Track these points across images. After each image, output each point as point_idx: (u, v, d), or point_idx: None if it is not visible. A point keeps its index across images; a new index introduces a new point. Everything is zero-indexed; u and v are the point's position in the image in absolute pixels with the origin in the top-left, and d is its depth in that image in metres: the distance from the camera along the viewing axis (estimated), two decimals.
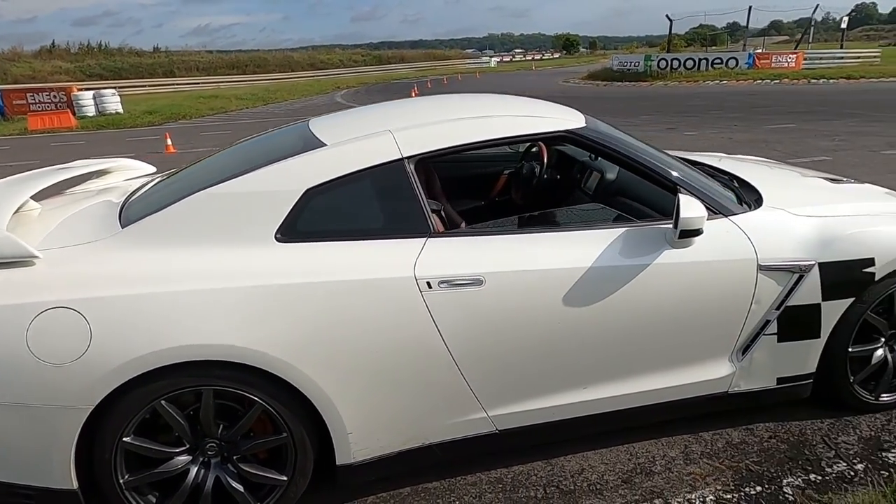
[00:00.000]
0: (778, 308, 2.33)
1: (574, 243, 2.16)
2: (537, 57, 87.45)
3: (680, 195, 2.14)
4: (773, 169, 3.30)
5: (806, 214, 2.42)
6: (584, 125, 2.32)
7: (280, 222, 1.99)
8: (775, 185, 2.80)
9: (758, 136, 10.07)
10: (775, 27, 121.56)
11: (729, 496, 2.20)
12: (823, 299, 2.34)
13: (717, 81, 24.65)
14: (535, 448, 2.44)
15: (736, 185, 2.70)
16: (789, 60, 26.80)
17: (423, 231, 2.07)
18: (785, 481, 2.26)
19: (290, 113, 19.11)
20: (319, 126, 2.46)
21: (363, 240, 2.03)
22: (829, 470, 2.30)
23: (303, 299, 1.93)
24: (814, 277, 2.31)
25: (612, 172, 2.85)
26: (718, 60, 27.49)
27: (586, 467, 2.38)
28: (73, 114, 17.39)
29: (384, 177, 2.07)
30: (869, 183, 3.14)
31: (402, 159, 2.09)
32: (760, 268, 2.28)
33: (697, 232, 2.10)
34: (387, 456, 2.14)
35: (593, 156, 2.87)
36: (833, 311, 2.37)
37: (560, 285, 2.10)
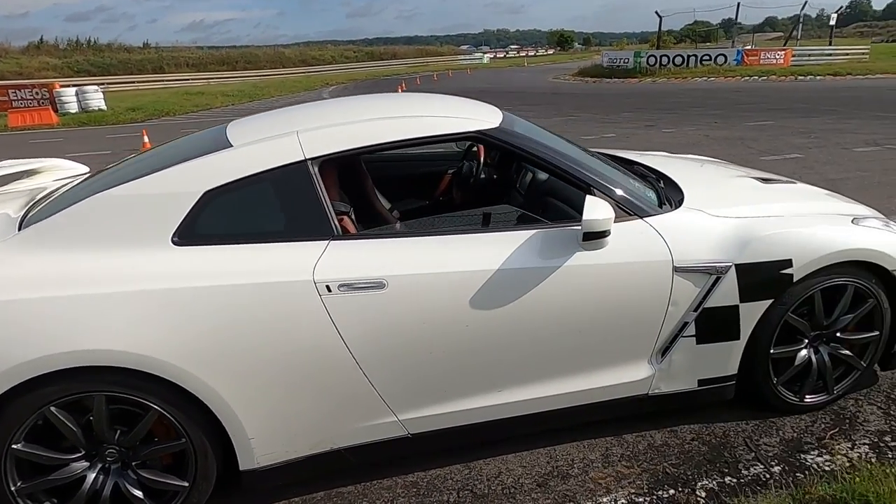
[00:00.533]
0: (695, 310, 2.32)
1: (481, 245, 2.13)
2: (531, 53, 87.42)
3: (588, 197, 2.12)
4: (704, 168, 3.28)
5: (724, 215, 2.40)
6: (497, 126, 2.29)
7: (177, 225, 1.96)
8: (701, 184, 2.79)
9: (735, 134, 10.08)
10: (770, 24, 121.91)
11: (641, 499, 2.19)
12: (741, 301, 2.33)
13: (705, 78, 24.68)
14: (455, 451, 2.42)
15: (661, 185, 2.68)
16: (777, 57, 26.85)
17: (325, 234, 2.04)
18: (699, 484, 2.24)
19: (268, 108, 18.99)
20: (235, 127, 2.43)
21: (263, 243, 2.00)
22: (745, 472, 2.29)
23: (197, 304, 1.90)
24: (731, 279, 2.30)
25: (542, 173, 2.83)
26: (707, 57, 27.52)
27: (504, 471, 2.36)
28: (55, 110, 17.26)
29: (286, 178, 2.04)
30: (807, 183, 3.14)
31: (304, 161, 2.06)
32: (676, 269, 2.26)
33: (603, 234, 2.08)
34: (294, 460, 2.12)
35: None
36: (752, 313, 2.35)
37: (466, 288, 2.08)
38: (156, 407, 1.92)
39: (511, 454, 2.44)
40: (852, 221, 2.49)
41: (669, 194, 2.55)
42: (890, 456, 2.32)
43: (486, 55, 67.53)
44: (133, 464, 2.00)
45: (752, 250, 2.32)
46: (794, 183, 3.02)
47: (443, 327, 2.09)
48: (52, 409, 1.86)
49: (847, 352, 2.57)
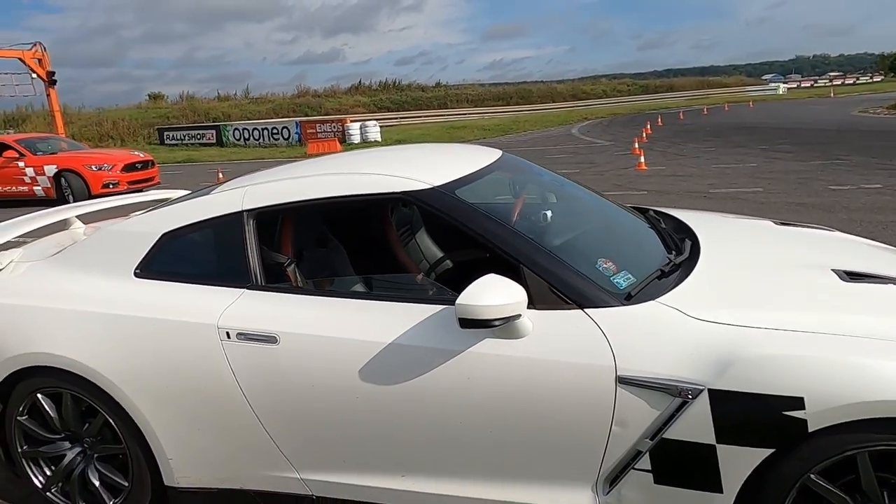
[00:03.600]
0: (651, 438, 1.76)
1: (381, 314, 1.98)
2: (849, 82, 73.98)
3: (489, 276, 1.79)
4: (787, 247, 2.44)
5: (712, 319, 1.77)
6: (430, 187, 2.07)
7: (140, 260, 2.28)
8: (734, 268, 2.09)
9: None
10: None
11: None
12: (719, 441, 1.69)
13: None
14: None
15: (667, 267, 2.08)
16: None
17: (243, 282, 2.14)
18: None
19: (515, 143, 19.83)
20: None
21: (196, 284, 2.19)
22: None
23: (136, 330, 2.17)
24: (702, 407, 1.69)
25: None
26: None
27: None
28: (341, 141, 20.91)
29: (223, 227, 2.21)
30: None
31: (241, 212, 2.19)
32: (620, 380, 1.76)
33: (484, 323, 1.73)
34: (208, 490, 2.25)
35: None
36: (739, 460, 1.69)
37: (356, 357, 1.95)
38: (102, 412, 2.25)
39: None
40: None
41: (663, 284, 1.98)
42: None
43: (782, 85, 59.35)
44: (94, 455, 2.38)
45: (739, 374, 1.67)
46: None
47: (333, 393, 2.00)
48: (39, 395, 2.33)
49: None
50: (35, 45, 21.98)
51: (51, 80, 22.61)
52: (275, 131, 25.35)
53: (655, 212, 2.89)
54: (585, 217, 2.67)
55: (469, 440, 1.93)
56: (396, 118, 38.40)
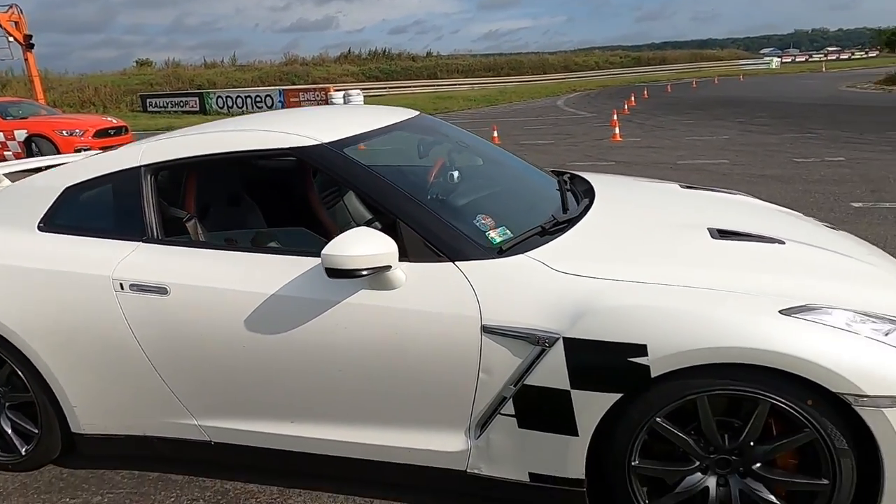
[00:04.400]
0: (514, 384, 1.85)
1: (269, 267, 2.04)
2: (843, 57, 73.48)
3: (359, 228, 1.86)
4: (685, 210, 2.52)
5: (575, 272, 1.85)
6: (318, 143, 2.12)
7: (43, 214, 2.32)
8: (617, 227, 2.17)
9: None
10: None
11: None
12: (573, 386, 1.78)
13: None
14: (288, 472, 2.35)
15: (549, 224, 2.14)
16: None
17: (140, 236, 2.20)
18: None
19: (500, 114, 19.69)
20: None
21: (95, 237, 2.25)
22: None
23: (38, 282, 2.23)
24: (558, 355, 1.78)
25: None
26: None
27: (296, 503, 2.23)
28: None
29: (122, 182, 2.25)
30: None
31: (139, 167, 2.24)
32: (485, 329, 1.84)
33: (350, 273, 1.79)
34: (113, 436, 2.34)
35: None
36: (591, 405, 1.78)
37: (241, 308, 2.02)
38: (9, 361, 2.32)
39: (327, 493, 2.28)
40: (783, 311, 1.68)
41: (544, 240, 2.04)
42: None
43: (775, 59, 58.88)
44: (6, 403, 2.45)
45: (590, 323, 1.75)
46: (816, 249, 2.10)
47: (221, 343, 2.07)
48: None
49: (771, 497, 1.76)
50: (11, 7, 21.35)
51: (28, 44, 22.02)
52: (258, 99, 25.03)
53: (571, 175, 2.95)
54: (490, 178, 2.73)
55: (349, 388, 2.02)
56: (385, 88, 37.95)
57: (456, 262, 1.91)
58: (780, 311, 1.68)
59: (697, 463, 1.81)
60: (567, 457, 1.87)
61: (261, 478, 2.37)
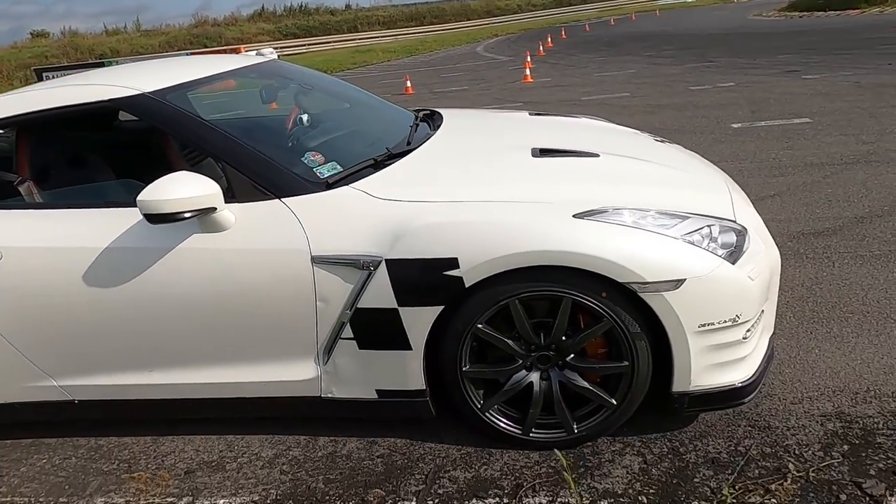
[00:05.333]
0: (349, 309, 1.96)
1: (105, 221, 2.04)
2: None
3: (177, 174, 1.88)
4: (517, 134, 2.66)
5: (396, 198, 1.95)
6: (140, 93, 2.11)
7: None
8: (447, 155, 2.28)
9: (893, 80, 7.73)
10: None
11: None
12: (400, 304, 1.91)
13: None
14: (159, 421, 2.42)
15: (381, 157, 2.22)
16: None
17: None
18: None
19: (418, 64, 19.42)
20: None
21: None
22: None
23: None
24: (383, 277, 1.89)
25: None
26: None
27: (175, 450, 2.31)
28: None
29: None
30: None
31: None
32: (315, 260, 1.93)
33: (171, 217, 1.83)
34: None
35: None
36: (419, 320, 1.92)
37: (77, 265, 2.03)
38: None
39: (199, 436, 2.37)
40: (576, 215, 1.84)
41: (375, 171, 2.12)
42: None
43: None
44: None
45: (406, 243, 1.87)
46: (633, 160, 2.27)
47: (63, 303, 2.08)
48: None
49: (584, 384, 1.97)
50: None
51: None
52: None
53: (430, 111, 3.02)
54: (339, 118, 2.77)
55: (195, 332, 2.08)
56: (304, 45, 36.49)
57: (282, 199, 1.97)
58: (573, 216, 1.84)
59: (520, 362, 1.99)
60: (406, 371, 2.01)
61: (135, 430, 2.43)
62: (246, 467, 2.19)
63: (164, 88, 2.15)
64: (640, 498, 1.85)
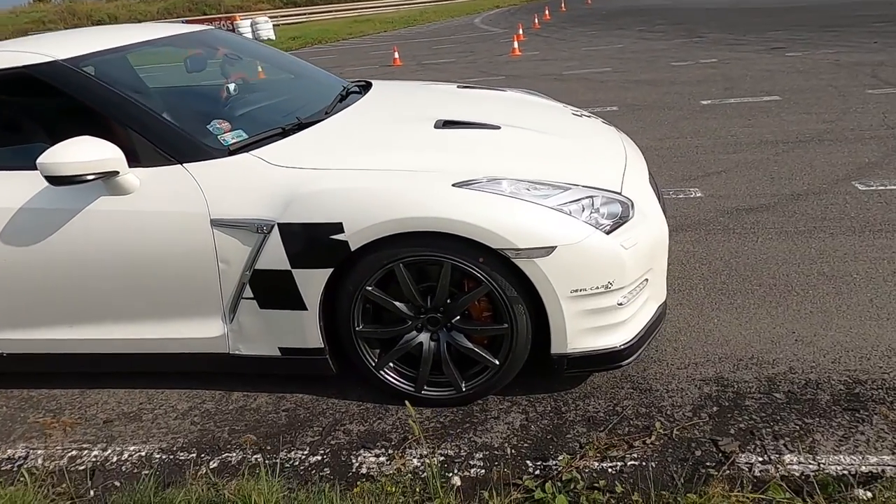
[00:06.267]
0: (248, 270, 2.07)
1: (22, 182, 2.13)
2: None
3: (78, 139, 1.97)
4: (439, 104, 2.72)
5: (289, 165, 2.05)
6: (54, 60, 2.18)
7: None
8: (352, 126, 2.37)
9: (872, 59, 7.69)
10: None
11: (162, 455, 2.12)
12: (293, 266, 2.01)
13: None
14: (84, 375, 2.55)
15: (290, 126, 2.30)
16: None
17: None
18: (227, 455, 2.09)
19: (413, 35, 19.25)
20: None
21: None
22: (290, 455, 2.06)
23: None
24: (276, 240, 1.99)
25: None
26: None
27: (98, 402, 2.45)
28: None
29: None
30: None
31: None
32: (214, 223, 2.03)
33: (72, 179, 1.92)
34: None
35: None
36: (311, 281, 2.02)
37: None
38: None
39: (122, 389, 2.51)
40: (455, 184, 1.93)
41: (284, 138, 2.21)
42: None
43: None
44: None
45: (297, 208, 1.97)
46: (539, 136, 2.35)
47: None
48: None
49: (469, 344, 2.09)
50: None
51: None
52: None
53: (365, 82, 3.09)
54: (267, 88, 2.85)
55: (109, 290, 2.19)
56: (305, 13, 36.01)
57: (184, 164, 2.07)
58: (453, 184, 1.93)
59: (410, 323, 2.10)
60: (304, 329, 2.12)
61: (65, 383, 2.57)
62: (161, 418, 2.33)
63: (76, 56, 2.23)
64: (510, 451, 1.98)
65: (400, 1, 41.49)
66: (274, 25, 22.06)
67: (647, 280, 2.12)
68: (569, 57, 10.84)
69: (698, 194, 3.91)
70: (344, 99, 2.76)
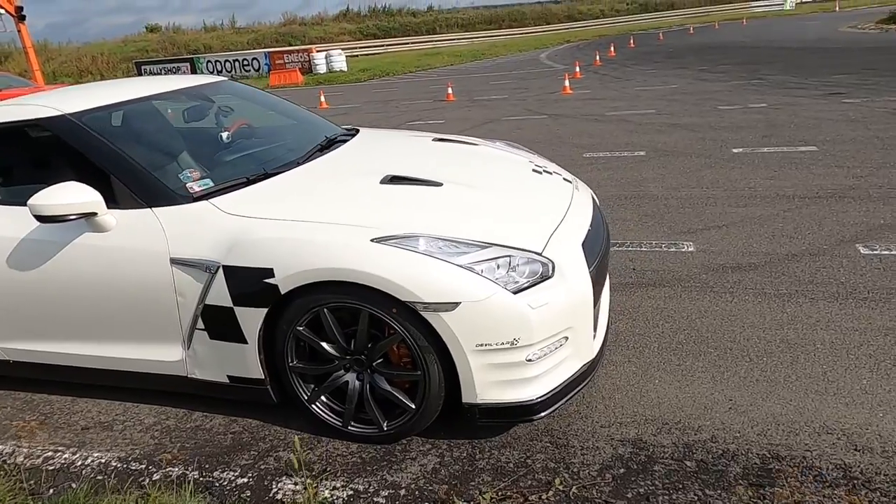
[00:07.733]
0: (200, 304, 2.32)
1: (20, 217, 2.50)
2: None
3: (69, 183, 2.30)
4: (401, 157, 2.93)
5: (237, 213, 2.30)
6: (62, 114, 2.56)
7: None
8: (303, 179, 2.62)
9: None
10: None
11: (118, 464, 2.39)
12: (234, 304, 2.25)
13: None
14: (77, 385, 2.88)
15: (254, 176, 2.56)
16: None
17: None
18: (171, 470, 2.33)
19: (475, 70, 19.72)
20: None
21: None
22: (218, 476, 2.27)
23: None
24: (221, 280, 2.24)
25: None
26: None
27: (83, 410, 2.76)
28: (304, 72, 20.88)
29: None
30: None
31: None
32: (173, 261, 2.31)
33: (56, 218, 2.25)
34: None
35: None
36: (250, 319, 2.25)
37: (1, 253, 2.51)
38: None
39: (106, 400, 2.81)
40: (374, 239, 2.10)
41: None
42: None
43: (789, 0, 56.60)
44: None
45: (238, 252, 2.21)
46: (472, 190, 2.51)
47: None
48: None
49: (387, 387, 2.23)
50: None
51: (20, 16, 22.38)
52: (245, 63, 25.30)
53: (354, 130, 3.36)
54: (256, 137, 3.15)
55: (90, 313, 2.50)
56: (382, 45, 37.73)
57: (152, 208, 2.37)
58: (371, 240, 2.11)
59: (337, 362, 2.28)
60: (246, 361, 2.35)
61: (62, 390, 2.92)
62: (128, 430, 2.61)
63: (83, 111, 2.61)
64: (415, 492, 2.10)
65: (472, 34, 42.64)
66: (351, 56, 23.28)
67: (566, 338, 2.19)
68: (617, 97, 10.83)
69: (690, 248, 3.88)
70: (325, 148, 3.02)
